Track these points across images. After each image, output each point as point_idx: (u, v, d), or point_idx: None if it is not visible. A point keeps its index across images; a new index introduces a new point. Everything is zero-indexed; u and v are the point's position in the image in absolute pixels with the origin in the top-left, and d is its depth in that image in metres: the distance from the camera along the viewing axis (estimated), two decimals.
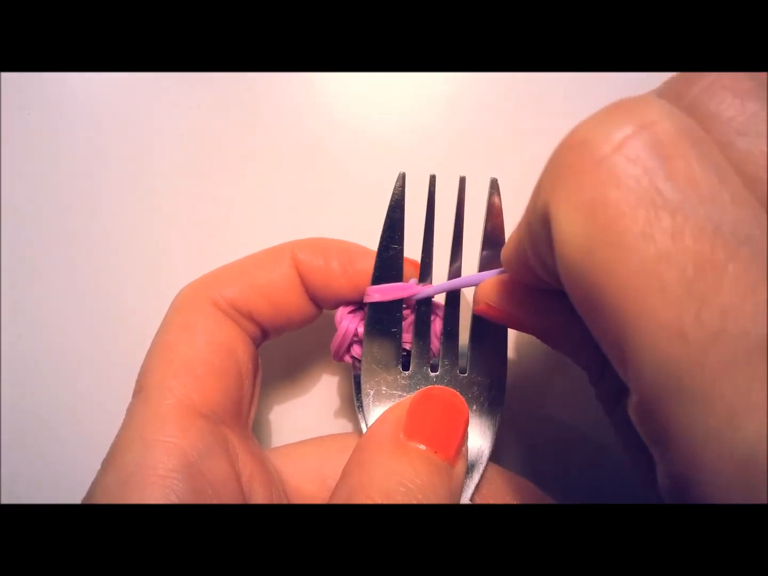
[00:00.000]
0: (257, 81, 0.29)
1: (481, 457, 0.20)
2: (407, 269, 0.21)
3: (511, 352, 0.20)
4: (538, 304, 0.17)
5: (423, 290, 0.21)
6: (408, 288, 0.21)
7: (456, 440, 0.17)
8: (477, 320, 0.20)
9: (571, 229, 0.12)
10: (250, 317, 0.21)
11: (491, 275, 0.18)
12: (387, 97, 0.29)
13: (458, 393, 0.19)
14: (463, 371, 0.20)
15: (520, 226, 0.16)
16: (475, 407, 0.20)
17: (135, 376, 0.20)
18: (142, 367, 0.20)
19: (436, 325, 0.21)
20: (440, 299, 0.21)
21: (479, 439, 0.20)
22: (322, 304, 0.22)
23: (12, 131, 0.29)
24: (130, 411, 0.19)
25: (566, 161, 0.12)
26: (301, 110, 0.29)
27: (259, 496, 0.19)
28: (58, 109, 0.29)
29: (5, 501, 0.25)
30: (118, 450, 0.18)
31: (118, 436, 0.18)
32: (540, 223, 0.13)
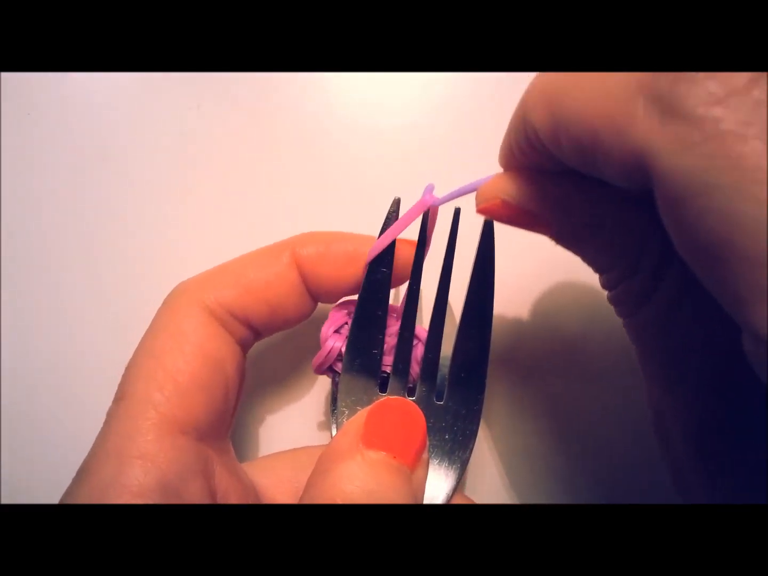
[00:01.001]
0: (257, 81, 0.29)
1: (447, 486, 0.19)
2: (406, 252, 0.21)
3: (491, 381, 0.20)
4: (555, 192, 0.16)
5: (435, 200, 0.20)
6: (420, 205, 0.20)
7: (414, 445, 0.18)
8: (459, 349, 0.20)
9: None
10: (245, 321, 0.20)
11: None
12: (387, 97, 0.29)
13: (411, 402, 0.19)
14: (440, 398, 0.20)
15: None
16: (447, 435, 0.20)
17: None
18: (127, 370, 0.19)
19: (418, 350, 0.21)
20: (425, 326, 0.21)
21: (447, 469, 0.20)
22: (324, 298, 0.22)
23: (12, 131, 0.29)
24: (111, 420, 0.18)
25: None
26: (301, 110, 0.29)
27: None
28: (59, 109, 0.29)
29: (5, 501, 0.25)
30: (95, 462, 0.17)
31: (95, 446, 0.18)
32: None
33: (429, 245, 0.21)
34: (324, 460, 0.18)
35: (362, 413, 0.18)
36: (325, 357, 0.21)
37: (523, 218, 0.17)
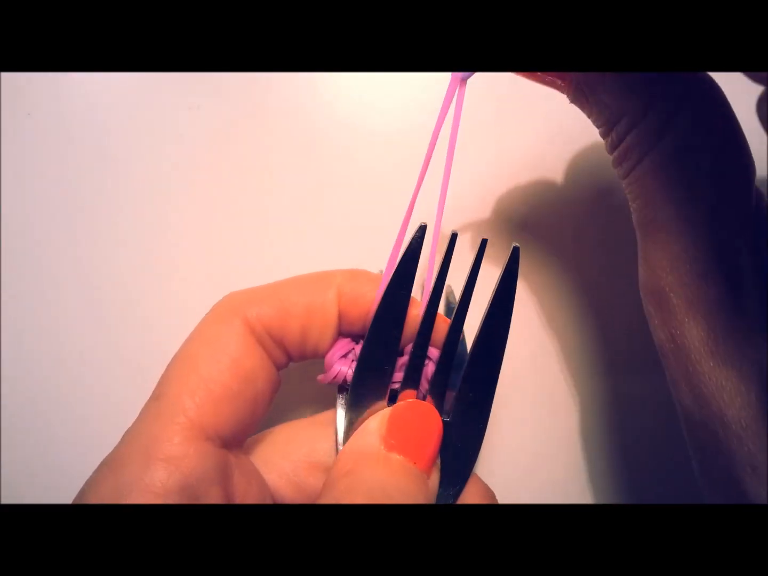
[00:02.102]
0: (257, 81, 0.29)
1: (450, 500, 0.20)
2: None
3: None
4: None
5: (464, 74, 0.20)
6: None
7: (431, 449, 0.18)
8: (470, 370, 0.20)
9: None
10: (280, 342, 0.21)
11: None
12: (387, 97, 0.29)
13: (432, 405, 0.19)
14: (447, 416, 0.20)
15: None
16: (450, 451, 0.20)
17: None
18: (166, 370, 0.20)
19: (428, 368, 0.21)
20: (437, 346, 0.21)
21: (447, 486, 0.20)
22: (348, 334, 0.22)
23: (12, 131, 0.29)
24: (143, 417, 0.19)
25: None
26: (301, 110, 0.29)
27: None
28: (58, 110, 0.29)
29: (5, 501, 0.25)
30: (120, 458, 0.18)
31: (125, 441, 0.18)
32: None
33: (458, 124, 0.20)
34: (346, 460, 0.18)
35: (384, 413, 0.19)
36: (332, 380, 0.21)
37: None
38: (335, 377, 0.21)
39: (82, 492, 0.18)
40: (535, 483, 0.26)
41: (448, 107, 0.20)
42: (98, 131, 0.29)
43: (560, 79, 0.19)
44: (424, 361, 0.21)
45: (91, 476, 0.18)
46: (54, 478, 0.26)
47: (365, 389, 0.20)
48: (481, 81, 0.29)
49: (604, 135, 0.19)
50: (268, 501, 0.20)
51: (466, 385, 0.20)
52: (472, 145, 0.28)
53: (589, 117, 0.20)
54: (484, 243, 0.20)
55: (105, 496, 0.17)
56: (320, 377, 0.22)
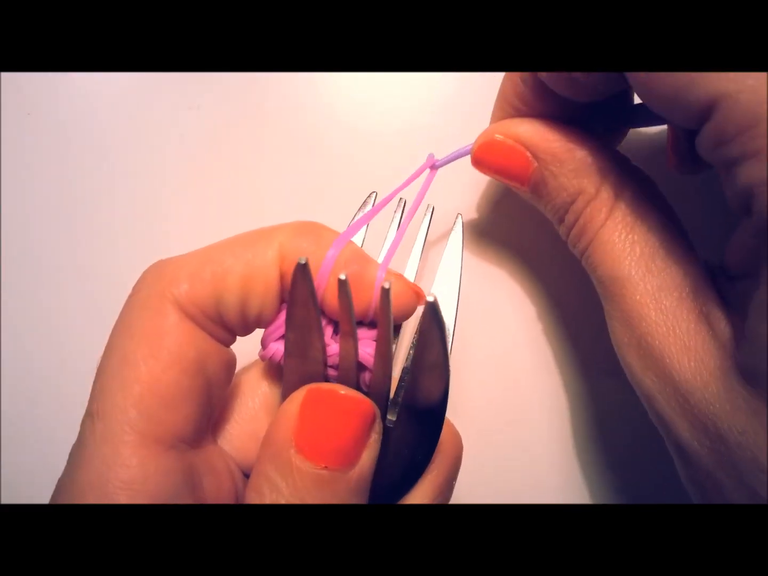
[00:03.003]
0: (257, 81, 0.29)
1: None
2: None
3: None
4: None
5: (435, 161, 0.24)
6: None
7: (352, 446, 0.16)
8: (415, 366, 0.17)
9: None
10: (219, 320, 0.18)
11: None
12: (386, 97, 0.29)
13: (356, 392, 0.17)
14: (390, 423, 0.18)
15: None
16: (393, 459, 0.18)
17: None
18: (99, 375, 0.17)
19: (366, 376, 0.19)
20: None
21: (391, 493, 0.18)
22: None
23: (12, 131, 0.29)
24: (87, 442, 0.16)
25: None
26: (301, 110, 0.29)
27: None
28: (58, 109, 0.29)
29: (5, 501, 0.25)
30: (76, 489, 0.16)
31: (72, 472, 0.16)
32: None
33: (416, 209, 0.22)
34: (260, 456, 0.17)
35: (296, 401, 0.17)
36: (269, 359, 0.20)
37: (514, 155, 0.21)
38: (271, 357, 0.19)
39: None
40: (529, 483, 0.26)
41: (424, 194, 0.23)
42: (98, 131, 0.29)
43: (519, 183, 0.22)
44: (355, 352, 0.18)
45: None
46: (54, 478, 0.26)
47: (297, 377, 0.18)
48: (481, 81, 0.29)
49: (559, 220, 0.22)
50: (239, 486, 0.19)
51: (411, 389, 0.18)
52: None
53: (545, 207, 0.22)
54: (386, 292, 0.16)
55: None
56: (260, 354, 0.20)
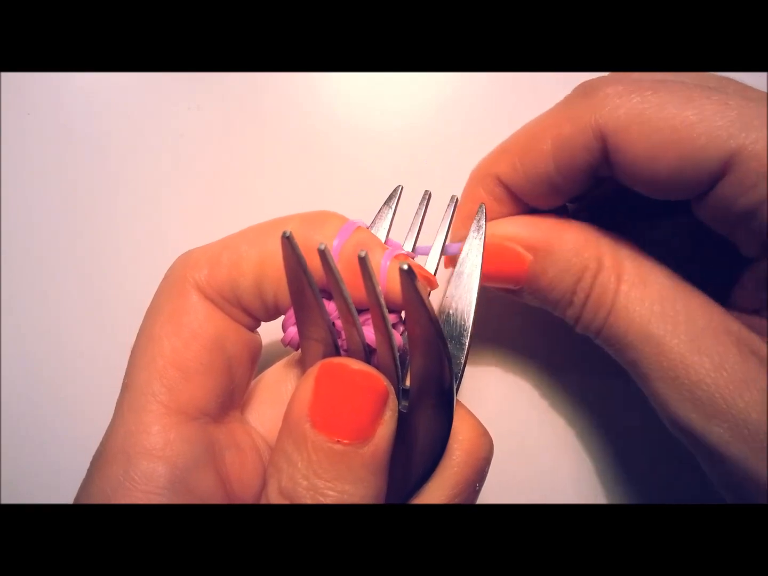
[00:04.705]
0: (257, 81, 0.29)
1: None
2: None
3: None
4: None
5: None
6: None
7: (365, 421, 0.16)
8: (411, 345, 0.17)
9: None
10: (237, 302, 0.19)
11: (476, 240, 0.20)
12: (385, 97, 0.29)
13: (369, 367, 0.17)
14: (404, 408, 0.18)
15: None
16: (408, 446, 0.18)
17: None
18: (130, 359, 0.19)
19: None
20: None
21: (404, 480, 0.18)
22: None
23: (12, 131, 0.29)
24: (118, 412, 0.18)
25: None
26: (301, 110, 0.29)
27: (249, 488, 0.19)
28: (58, 109, 0.29)
29: (5, 501, 0.25)
30: (104, 458, 0.17)
31: (105, 441, 0.18)
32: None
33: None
34: (280, 432, 0.17)
35: (311, 376, 0.17)
36: (288, 344, 0.20)
37: (507, 254, 0.21)
38: (290, 342, 0.20)
39: (77, 499, 0.17)
40: (536, 483, 0.26)
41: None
42: (98, 131, 0.29)
43: (514, 283, 0.21)
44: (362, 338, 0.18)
45: (83, 480, 0.18)
46: (54, 478, 0.26)
47: (314, 359, 0.18)
48: (481, 81, 0.29)
49: (566, 305, 0.21)
50: (264, 460, 0.20)
51: (416, 372, 0.17)
52: (472, 145, 0.28)
53: (548, 297, 0.21)
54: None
55: (94, 498, 0.17)
56: (281, 339, 0.20)
